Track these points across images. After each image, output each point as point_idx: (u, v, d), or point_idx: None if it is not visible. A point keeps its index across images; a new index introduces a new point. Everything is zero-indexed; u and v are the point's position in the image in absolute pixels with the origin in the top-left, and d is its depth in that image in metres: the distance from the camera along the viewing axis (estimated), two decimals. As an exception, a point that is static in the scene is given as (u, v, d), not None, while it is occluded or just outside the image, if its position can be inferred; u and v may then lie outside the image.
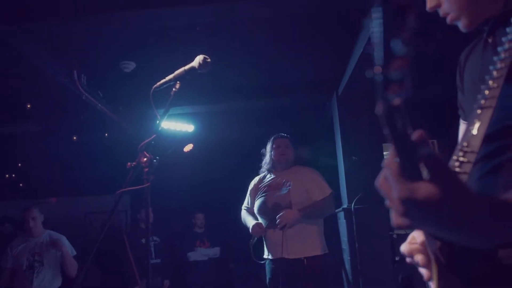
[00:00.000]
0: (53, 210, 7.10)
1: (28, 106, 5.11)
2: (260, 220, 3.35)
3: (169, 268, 5.43)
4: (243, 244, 6.11)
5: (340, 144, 5.07)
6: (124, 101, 5.19)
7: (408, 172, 0.58)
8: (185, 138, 6.10)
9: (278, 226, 3.15)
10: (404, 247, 0.91)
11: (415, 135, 0.57)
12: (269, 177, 3.47)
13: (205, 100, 5.32)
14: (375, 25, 0.51)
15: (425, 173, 0.58)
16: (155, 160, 1.67)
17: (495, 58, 0.79)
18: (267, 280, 3.33)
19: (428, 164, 0.57)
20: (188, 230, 6.14)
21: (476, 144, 0.76)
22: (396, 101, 0.52)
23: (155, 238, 5.25)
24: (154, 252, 5.16)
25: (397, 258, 4.37)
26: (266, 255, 3.32)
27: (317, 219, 3.30)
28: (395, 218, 0.63)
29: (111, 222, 1.69)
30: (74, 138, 6.09)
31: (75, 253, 3.97)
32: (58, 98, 4.79)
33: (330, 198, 3.30)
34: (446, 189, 0.56)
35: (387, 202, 0.63)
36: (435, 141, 5.62)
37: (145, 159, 1.65)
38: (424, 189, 0.56)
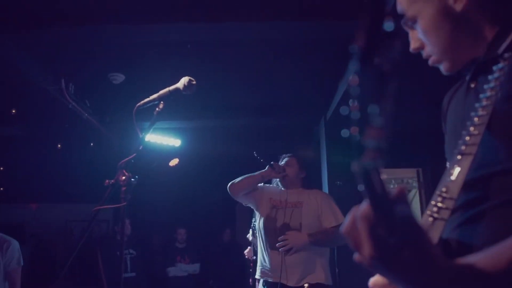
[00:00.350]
0: (33, 216, 6.98)
1: (13, 111, 5.04)
2: (263, 238, 3.07)
3: (145, 283, 5.32)
4: (224, 261, 6.09)
5: (326, 168, 5.07)
6: (111, 113, 5.15)
7: (382, 234, 0.57)
8: (171, 153, 6.06)
9: (282, 248, 2.89)
10: (372, 281, 0.90)
11: (397, 190, 0.56)
12: (281, 192, 3.18)
13: (193, 116, 5.30)
14: (352, 82, 0.50)
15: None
16: (133, 179, 1.64)
17: (477, 105, 0.78)
18: None
19: (405, 232, 0.57)
20: (169, 244, 6.08)
21: (455, 191, 0.76)
22: (376, 163, 0.51)
23: (131, 251, 5.17)
24: (129, 265, 5.06)
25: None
26: (259, 275, 3.09)
27: (325, 247, 3.07)
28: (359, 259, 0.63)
29: (89, 234, 1.66)
30: (59, 145, 6.01)
31: (22, 263, 3.46)
32: (44, 105, 4.73)
33: None
34: (417, 260, 0.58)
35: (356, 251, 0.62)
36: (420, 169, 5.67)
37: (123, 177, 1.62)
38: (395, 256, 0.57)
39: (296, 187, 3.16)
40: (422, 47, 0.94)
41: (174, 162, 6.30)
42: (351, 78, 0.49)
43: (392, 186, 6.69)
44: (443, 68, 0.93)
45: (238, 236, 6.11)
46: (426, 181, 5.65)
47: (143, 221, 5.79)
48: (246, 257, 4.51)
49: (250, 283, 4.60)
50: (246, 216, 4.68)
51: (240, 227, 5.14)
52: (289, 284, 2.90)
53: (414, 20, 0.91)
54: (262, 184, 3.24)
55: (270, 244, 2.99)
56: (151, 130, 1.77)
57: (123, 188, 1.63)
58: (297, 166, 3.19)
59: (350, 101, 0.50)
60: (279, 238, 2.92)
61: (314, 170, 5.57)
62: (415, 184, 6.18)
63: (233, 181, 3.14)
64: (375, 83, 0.49)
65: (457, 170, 0.77)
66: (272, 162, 3.12)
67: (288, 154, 3.27)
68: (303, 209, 3.02)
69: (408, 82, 3.47)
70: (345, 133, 0.51)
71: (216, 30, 3.30)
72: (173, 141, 5.79)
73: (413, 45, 0.95)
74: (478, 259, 0.62)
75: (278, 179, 3.20)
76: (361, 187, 0.55)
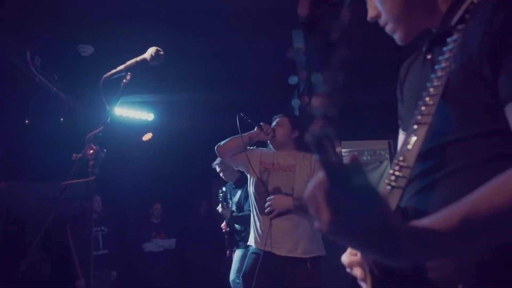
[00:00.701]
0: (3, 195, 6.83)
1: (-24, 85, 4.84)
2: (254, 203, 2.91)
3: (119, 259, 5.32)
4: (200, 234, 6.13)
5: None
6: (81, 86, 5.01)
7: (337, 199, 0.58)
8: (144, 127, 5.98)
9: (266, 210, 2.75)
10: (344, 258, 0.92)
11: (350, 157, 0.58)
12: (273, 154, 3.00)
13: (165, 89, 5.22)
14: (298, 53, 0.50)
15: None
16: (102, 153, 1.62)
17: (432, 76, 0.80)
18: (242, 272, 2.92)
19: (359, 197, 0.59)
20: (144, 220, 6.06)
21: (411, 159, 0.78)
22: (326, 131, 0.52)
23: (103, 228, 5.13)
24: (102, 242, 5.05)
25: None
26: (251, 242, 2.91)
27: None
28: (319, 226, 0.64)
29: (59, 212, 1.65)
30: (27, 121, 5.84)
31: None
32: (9, 79, 4.57)
33: None
34: (373, 222, 0.60)
35: (316, 219, 0.63)
36: (391, 141, 5.78)
37: (91, 151, 1.60)
38: (351, 220, 0.59)
39: (289, 149, 2.97)
40: (379, 15, 0.95)
41: (147, 136, 6.23)
42: (297, 46, 0.49)
43: (364, 157, 6.83)
44: (397, 37, 0.95)
45: (214, 208, 6.16)
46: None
47: (116, 197, 5.74)
48: (223, 230, 4.56)
49: (227, 255, 4.68)
50: (220, 188, 4.71)
51: (217, 199, 5.16)
52: (279, 253, 2.74)
53: None
54: (254, 146, 3.09)
55: (260, 209, 2.85)
56: (119, 102, 1.73)
57: (91, 162, 1.61)
58: (288, 125, 2.98)
59: (299, 70, 0.50)
60: (267, 202, 2.78)
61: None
62: (387, 155, 6.31)
63: (220, 142, 3.00)
64: (321, 51, 0.49)
65: (413, 139, 0.79)
66: (261, 123, 2.97)
67: (280, 114, 3.09)
68: (296, 172, 2.85)
69: (377, 54, 3.50)
70: (295, 102, 0.52)
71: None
72: (146, 115, 5.71)
73: (370, 14, 0.96)
74: (431, 220, 0.65)
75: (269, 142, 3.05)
76: (316, 156, 0.56)
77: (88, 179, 1.58)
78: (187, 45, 4.08)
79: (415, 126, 0.80)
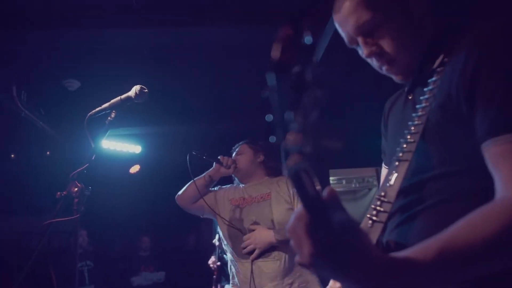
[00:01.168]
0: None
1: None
2: (230, 248, 2.52)
3: (105, 294, 5.19)
4: (189, 268, 6.03)
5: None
6: (67, 120, 5.00)
7: (317, 232, 0.58)
8: (131, 159, 5.94)
9: (244, 250, 2.35)
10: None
11: (327, 191, 0.58)
12: (241, 188, 2.64)
13: (152, 121, 5.23)
14: (272, 93, 0.52)
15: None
16: (86, 191, 1.61)
17: (413, 115, 0.83)
18: None
19: (340, 233, 0.59)
20: (132, 253, 5.96)
21: (392, 195, 0.80)
22: (301, 166, 0.53)
23: (88, 262, 5.02)
24: (87, 277, 4.92)
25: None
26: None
27: None
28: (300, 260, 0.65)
29: (42, 247, 1.61)
30: (12, 155, 5.77)
31: None
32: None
33: None
34: (353, 255, 0.60)
35: (297, 253, 0.64)
36: (378, 168, 5.82)
37: (75, 189, 1.59)
38: (332, 252, 0.59)
39: (258, 177, 2.63)
40: (377, 52, 0.95)
41: (135, 169, 6.18)
42: (269, 87, 0.52)
43: (353, 185, 6.85)
44: (398, 78, 0.97)
45: (202, 241, 6.08)
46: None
47: (102, 230, 5.64)
48: (211, 266, 4.49)
49: (216, 290, 4.58)
50: (210, 221, 4.66)
51: (204, 232, 5.09)
52: None
53: (375, 27, 0.92)
54: (216, 188, 2.75)
55: (238, 253, 2.44)
56: (104, 138, 1.73)
57: (76, 200, 1.59)
58: (250, 151, 2.66)
59: (273, 108, 0.52)
60: (244, 242, 2.39)
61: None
62: (375, 182, 6.34)
63: (179, 192, 2.71)
64: (293, 92, 0.51)
65: (394, 176, 0.81)
66: (218, 157, 2.62)
67: (239, 143, 2.78)
68: (272, 200, 2.45)
69: (361, 83, 3.57)
70: (272, 139, 0.53)
71: (173, 35, 3.28)
72: (133, 148, 5.68)
73: (366, 51, 0.95)
74: (410, 252, 0.66)
75: (234, 176, 2.71)
76: (294, 190, 0.57)
77: (72, 217, 1.56)
78: (173, 79, 4.13)
79: (396, 163, 0.82)
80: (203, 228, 6.53)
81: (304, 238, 0.60)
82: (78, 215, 1.58)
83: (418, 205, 0.83)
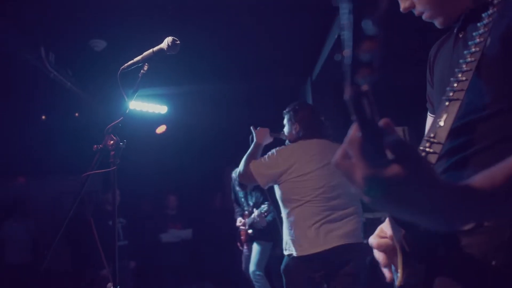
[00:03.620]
0: (23, 189, 6.94)
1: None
2: (293, 208, 2.48)
3: (137, 250, 5.39)
4: (215, 226, 6.18)
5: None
6: (94, 80, 5.05)
7: (373, 154, 0.55)
8: (158, 120, 6.00)
9: None
10: (372, 240, 0.90)
11: (382, 122, 0.56)
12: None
13: (178, 81, 5.23)
14: (344, 5, 0.49)
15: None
16: (121, 143, 1.63)
17: (465, 52, 0.79)
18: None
19: (396, 149, 0.55)
20: (159, 212, 6.12)
21: (443, 136, 0.77)
22: (364, 86, 0.50)
23: (121, 219, 5.19)
24: (121, 233, 5.11)
25: (365, 241, 4.45)
26: (291, 250, 2.50)
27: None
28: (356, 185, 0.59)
29: (79, 204, 1.65)
30: (43, 117, 5.90)
31: None
32: (24, 76, 4.61)
33: None
34: (413, 171, 0.55)
35: (350, 181, 0.59)
36: (406, 128, 5.72)
37: (111, 142, 1.61)
38: (391, 169, 0.54)
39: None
40: (412, 5, 0.93)
41: (161, 129, 6.25)
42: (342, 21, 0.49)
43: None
44: (437, 22, 0.93)
45: (227, 200, 6.18)
46: (412, 139, 5.72)
47: (131, 189, 5.77)
48: (241, 227, 4.62)
49: (245, 247, 4.71)
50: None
51: (229, 193, 5.16)
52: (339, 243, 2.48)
53: None
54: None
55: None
56: (137, 93, 1.74)
57: (112, 153, 1.62)
58: (288, 123, 2.75)
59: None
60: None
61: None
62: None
63: (238, 170, 2.63)
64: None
65: (444, 116, 0.78)
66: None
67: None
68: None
69: (392, 40, 3.46)
70: (337, 56, 0.50)
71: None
72: (159, 108, 5.73)
73: (403, 5, 0.94)
74: (470, 181, 0.61)
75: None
76: (352, 116, 0.54)
77: (110, 169, 1.59)
78: (198, 38, 4.07)
79: (447, 103, 0.79)
80: (227, 186, 6.63)
81: (357, 159, 0.56)
82: (115, 167, 1.61)
83: (469, 147, 0.79)
